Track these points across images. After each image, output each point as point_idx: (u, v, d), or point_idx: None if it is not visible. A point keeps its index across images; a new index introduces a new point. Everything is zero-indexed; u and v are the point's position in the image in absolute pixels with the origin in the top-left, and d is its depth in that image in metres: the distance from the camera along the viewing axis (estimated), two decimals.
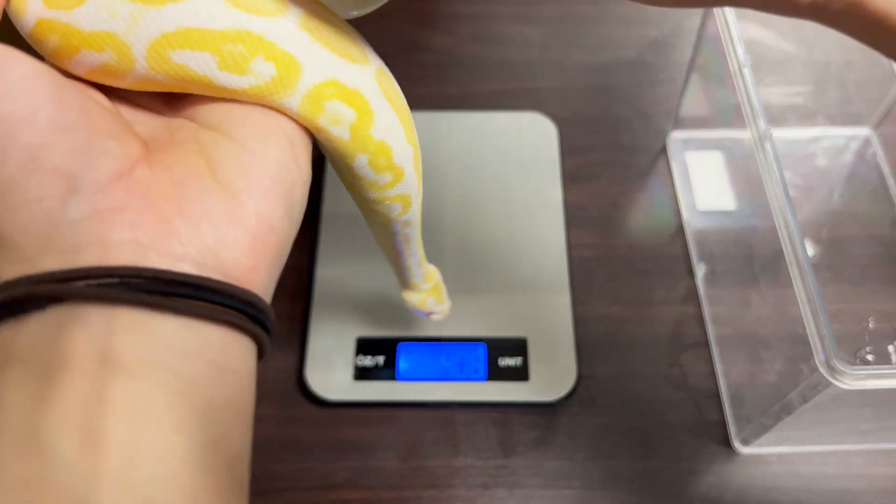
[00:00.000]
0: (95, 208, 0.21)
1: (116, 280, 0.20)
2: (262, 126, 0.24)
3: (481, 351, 0.49)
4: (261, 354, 0.24)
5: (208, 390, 0.21)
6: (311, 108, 0.24)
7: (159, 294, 0.20)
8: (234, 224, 0.22)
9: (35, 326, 0.20)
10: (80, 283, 0.20)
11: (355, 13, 0.29)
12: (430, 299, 0.44)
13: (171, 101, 0.25)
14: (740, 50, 0.43)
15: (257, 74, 0.23)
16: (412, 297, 0.43)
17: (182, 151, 0.23)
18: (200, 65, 0.22)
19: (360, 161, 0.27)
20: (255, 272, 0.23)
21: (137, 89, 0.24)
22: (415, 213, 0.35)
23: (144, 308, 0.20)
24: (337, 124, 0.25)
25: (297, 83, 0.24)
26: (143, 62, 0.22)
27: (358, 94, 0.25)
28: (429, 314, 0.45)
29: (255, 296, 0.22)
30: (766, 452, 0.47)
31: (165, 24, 0.22)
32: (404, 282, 0.42)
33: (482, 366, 0.49)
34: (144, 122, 0.25)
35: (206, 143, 0.23)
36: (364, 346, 0.49)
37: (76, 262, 0.20)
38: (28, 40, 0.23)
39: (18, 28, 0.23)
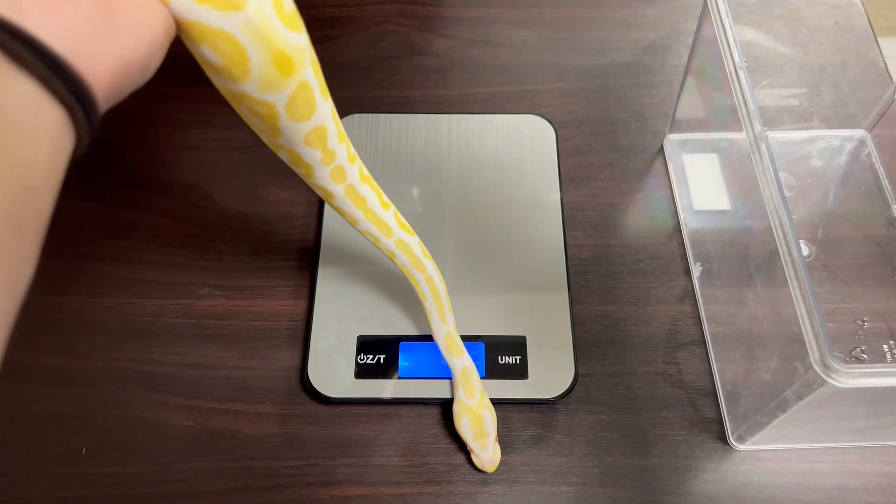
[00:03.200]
0: None
1: None
2: None
3: (480, 349, 0.50)
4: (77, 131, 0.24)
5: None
6: None
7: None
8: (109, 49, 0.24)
9: None
10: None
11: None
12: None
13: None
14: (736, 52, 0.43)
15: None
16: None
17: None
18: None
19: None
20: (105, 90, 0.24)
21: None
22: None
23: None
24: None
25: None
26: None
27: None
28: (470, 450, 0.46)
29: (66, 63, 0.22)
30: (761, 449, 0.48)
31: None
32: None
33: (481, 364, 0.49)
34: None
35: None
36: (365, 345, 0.50)
37: None
38: None
39: None
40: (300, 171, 0.37)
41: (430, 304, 0.47)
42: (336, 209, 0.41)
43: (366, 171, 0.40)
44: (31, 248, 0.22)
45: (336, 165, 0.37)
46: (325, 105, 0.33)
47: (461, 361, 0.47)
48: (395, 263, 0.45)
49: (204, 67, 0.30)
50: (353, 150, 0.38)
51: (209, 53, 0.29)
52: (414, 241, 0.45)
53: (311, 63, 0.31)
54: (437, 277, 0.46)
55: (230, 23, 0.27)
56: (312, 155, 0.35)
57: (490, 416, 0.46)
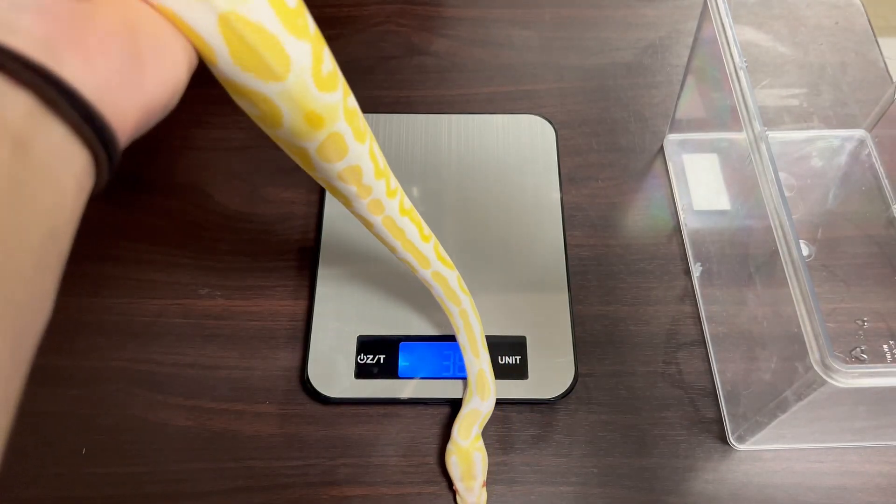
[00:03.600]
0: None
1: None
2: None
3: None
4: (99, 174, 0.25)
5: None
6: None
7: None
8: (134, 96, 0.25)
9: None
10: None
11: None
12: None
13: None
14: (736, 52, 0.43)
15: None
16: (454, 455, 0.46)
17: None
18: None
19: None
20: (126, 130, 0.25)
21: None
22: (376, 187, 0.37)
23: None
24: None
25: None
26: None
27: None
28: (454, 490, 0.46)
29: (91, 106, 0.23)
30: (761, 449, 0.48)
31: None
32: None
33: None
34: None
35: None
36: (365, 345, 0.50)
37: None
38: None
39: None
40: (339, 200, 0.38)
41: (462, 338, 0.47)
42: (375, 236, 0.41)
43: (408, 205, 0.40)
44: (52, 286, 0.23)
45: (373, 199, 0.37)
46: (359, 147, 0.34)
47: (485, 404, 0.47)
48: (431, 293, 0.46)
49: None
50: (394, 185, 0.39)
51: (245, 105, 0.30)
52: (452, 275, 0.45)
53: (343, 114, 0.32)
54: (472, 312, 0.46)
55: (269, 90, 0.29)
56: (348, 189, 0.36)
57: (480, 460, 0.46)
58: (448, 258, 0.45)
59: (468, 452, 0.46)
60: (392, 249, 0.42)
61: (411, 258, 0.42)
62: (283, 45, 0.27)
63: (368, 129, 0.35)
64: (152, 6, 0.26)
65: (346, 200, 0.37)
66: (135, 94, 0.25)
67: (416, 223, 0.41)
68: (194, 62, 0.28)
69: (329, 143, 0.32)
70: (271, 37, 0.27)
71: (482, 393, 0.47)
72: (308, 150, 0.33)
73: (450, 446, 0.46)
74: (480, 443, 0.46)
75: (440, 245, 0.44)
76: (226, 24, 0.26)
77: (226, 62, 0.27)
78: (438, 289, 0.45)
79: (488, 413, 0.47)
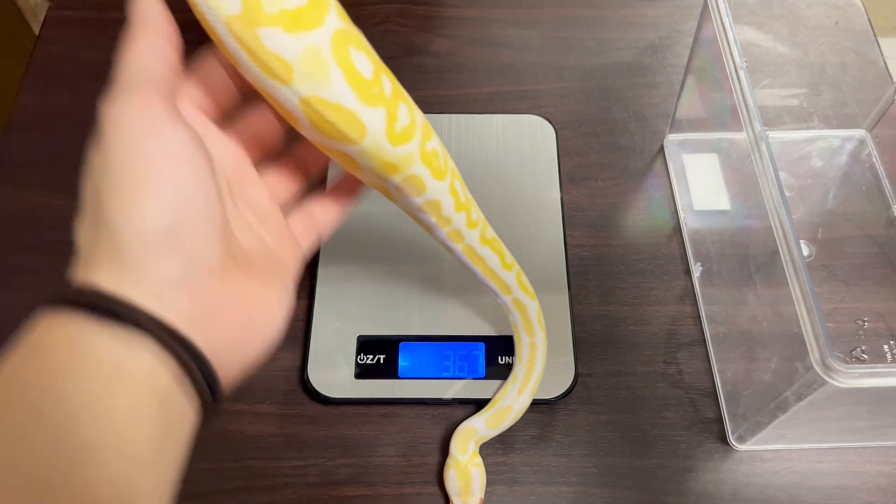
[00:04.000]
0: (179, 276, 0.26)
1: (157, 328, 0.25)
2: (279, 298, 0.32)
3: (480, 349, 0.50)
4: (205, 410, 0.28)
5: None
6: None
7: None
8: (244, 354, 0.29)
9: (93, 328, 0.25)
10: (149, 321, 0.25)
11: None
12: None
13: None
14: (736, 52, 0.43)
15: None
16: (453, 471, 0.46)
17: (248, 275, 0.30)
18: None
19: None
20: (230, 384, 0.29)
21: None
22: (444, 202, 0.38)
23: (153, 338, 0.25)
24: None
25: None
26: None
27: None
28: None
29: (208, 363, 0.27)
30: (762, 450, 0.48)
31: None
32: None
33: (481, 364, 0.49)
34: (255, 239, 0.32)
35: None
36: (365, 345, 0.50)
37: (159, 305, 0.25)
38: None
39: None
40: (422, 227, 0.39)
41: (520, 371, 0.47)
42: (457, 260, 0.42)
43: (490, 234, 0.41)
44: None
45: (453, 229, 0.39)
46: (438, 185, 0.36)
47: (486, 430, 0.46)
48: (509, 318, 0.46)
49: None
50: (475, 217, 0.40)
51: (330, 155, 0.33)
52: (532, 305, 0.45)
53: (419, 158, 0.34)
54: (542, 350, 0.46)
55: (347, 150, 0.31)
56: (427, 219, 0.37)
57: (479, 476, 0.45)
58: (531, 288, 0.45)
59: (466, 468, 0.45)
60: (473, 274, 0.43)
61: (492, 284, 0.44)
62: (359, 116, 0.30)
63: (451, 165, 0.37)
64: (249, 78, 0.29)
65: (427, 228, 0.39)
66: (244, 356, 0.29)
67: (497, 252, 0.42)
68: (289, 314, 0.32)
69: (406, 183, 0.34)
70: (348, 112, 0.30)
71: (491, 421, 0.46)
72: (387, 186, 0.35)
73: (448, 460, 0.46)
74: (478, 459, 0.46)
75: (523, 273, 0.45)
76: (307, 105, 0.29)
77: (308, 130, 0.31)
78: (517, 315, 0.46)
79: (486, 437, 0.47)
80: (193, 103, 0.32)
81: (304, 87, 0.29)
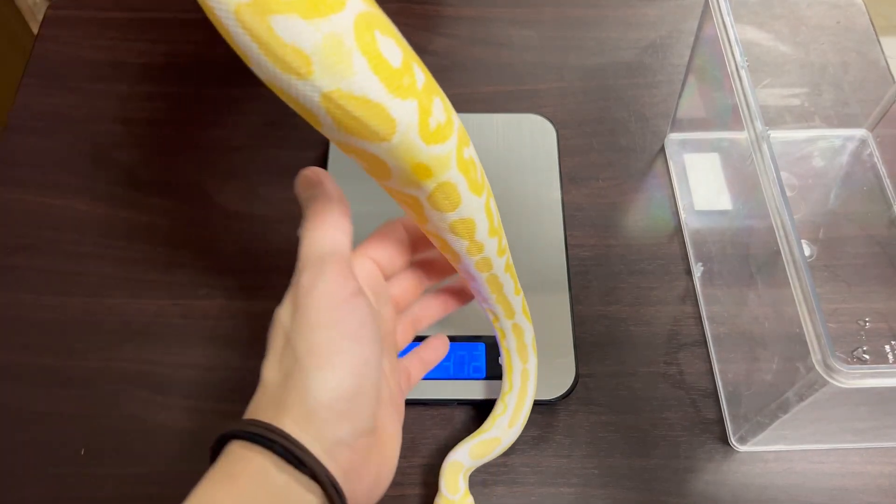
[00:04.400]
0: (346, 437, 0.31)
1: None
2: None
3: (481, 350, 0.49)
4: None
5: None
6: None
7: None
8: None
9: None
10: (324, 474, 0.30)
11: None
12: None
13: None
14: (737, 52, 0.43)
15: None
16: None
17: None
18: None
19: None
20: None
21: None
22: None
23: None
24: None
25: None
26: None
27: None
28: None
29: None
30: (763, 450, 0.47)
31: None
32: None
33: (481, 364, 0.49)
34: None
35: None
36: None
37: (328, 459, 0.30)
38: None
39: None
40: (447, 256, 0.37)
41: (511, 400, 0.45)
42: (469, 287, 0.40)
43: (510, 259, 0.39)
44: None
45: (483, 257, 0.36)
46: (474, 200, 0.33)
47: (469, 460, 0.45)
48: (500, 343, 0.44)
49: None
50: (504, 242, 0.38)
51: (354, 158, 0.31)
52: (530, 331, 0.44)
53: (456, 164, 0.31)
54: (533, 378, 0.45)
55: (375, 148, 0.28)
56: (459, 243, 0.35)
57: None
58: (529, 312, 0.43)
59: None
60: (482, 300, 0.41)
61: (499, 309, 0.41)
62: (388, 109, 0.27)
63: (487, 184, 0.35)
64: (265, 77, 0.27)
65: (454, 257, 0.36)
66: (370, 499, 0.34)
67: (514, 277, 0.40)
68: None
69: (440, 192, 0.31)
70: (375, 105, 0.27)
71: (477, 451, 0.44)
72: (419, 197, 0.32)
73: (438, 500, 0.44)
74: (470, 498, 0.44)
75: (525, 298, 0.43)
76: (329, 100, 0.26)
77: (330, 129, 0.28)
78: (513, 340, 0.43)
79: (473, 468, 0.45)
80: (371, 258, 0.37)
81: (324, 81, 0.25)
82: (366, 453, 0.32)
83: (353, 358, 0.31)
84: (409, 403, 0.49)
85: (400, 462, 0.47)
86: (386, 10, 0.28)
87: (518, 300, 0.42)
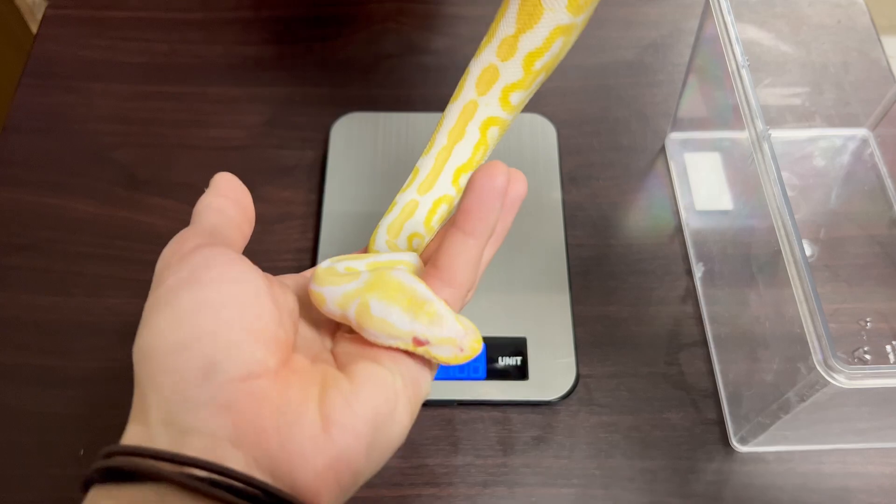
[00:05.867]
0: (216, 398, 0.25)
1: (207, 475, 0.24)
2: (377, 378, 0.28)
3: (481, 350, 0.49)
4: None
5: None
6: None
7: (237, 494, 0.24)
8: (317, 452, 0.26)
9: (132, 491, 0.25)
10: (178, 472, 0.24)
11: None
12: (377, 304, 0.30)
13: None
14: (738, 51, 0.43)
15: None
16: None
17: (308, 377, 0.28)
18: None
19: None
20: (319, 497, 0.26)
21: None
22: None
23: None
24: None
25: None
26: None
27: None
28: (416, 343, 0.30)
29: None
30: (764, 451, 0.47)
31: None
32: None
33: (481, 365, 0.49)
34: (308, 340, 0.31)
35: (328, 377, 0.28)
36: None
37: (184, 445, 0.25)
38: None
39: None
40: None
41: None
42: None
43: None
44: None
45: None
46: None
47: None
48: None
49: None
50: None
51: None
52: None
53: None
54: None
55: None
56: None
57: (414, 271, 0.33)
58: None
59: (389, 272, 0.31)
60: None
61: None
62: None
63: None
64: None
65: None
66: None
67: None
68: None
69: None
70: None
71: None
72: None
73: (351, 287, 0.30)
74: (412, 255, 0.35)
75: None
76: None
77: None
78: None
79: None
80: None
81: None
82: (279, 391, 0.26)
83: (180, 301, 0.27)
84: None
85: (400, 463, 0.47)
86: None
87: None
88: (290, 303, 0.31)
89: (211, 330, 0.26)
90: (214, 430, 0.25)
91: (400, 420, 0.29)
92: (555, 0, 0.37)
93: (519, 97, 0.39)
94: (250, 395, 0.26)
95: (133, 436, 0.27)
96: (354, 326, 0.30)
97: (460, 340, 0.30)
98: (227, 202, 0.33)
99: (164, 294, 0.28)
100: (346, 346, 0.31)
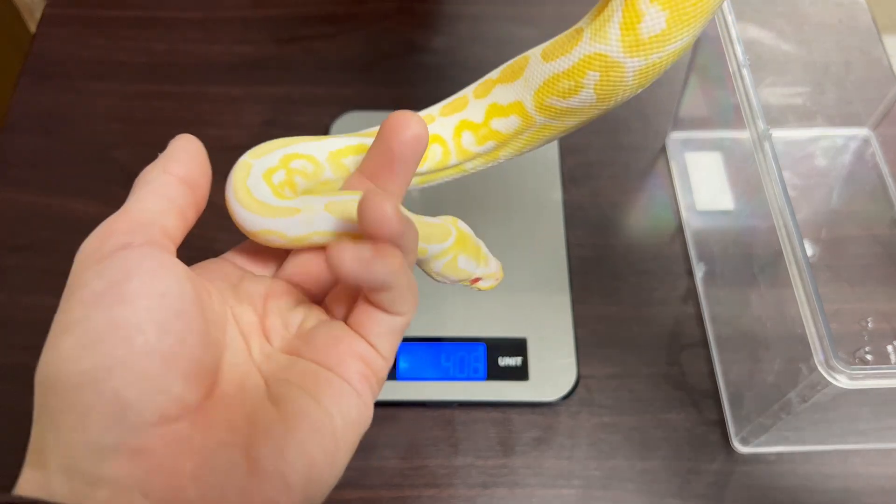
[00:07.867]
0: (125, 443, 0.22)
1: None
2: (313, 421, 0.25)
3: (481, 351, 0.49)
4: None
5: None
6: None
7: None
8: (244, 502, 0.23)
9: None
10: None
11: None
12: (462, 257, 0.35)
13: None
14: (739, 50, 0.43)
15: None
16: (435, 265, 0.35)
17: (234, 411, 0.24)
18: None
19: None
20: None
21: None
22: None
23: None
24: None
25: None
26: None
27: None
28: (473, 281, 0.36)
29: None
30: (765, 452, 0.47)
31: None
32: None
33: (482, 365, 0.49)
34: (237, 350, 0.27)
35: (259, 413, 0.25)
36: None
37: (87, 497, 0.22)
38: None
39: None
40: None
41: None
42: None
43: None
44: None
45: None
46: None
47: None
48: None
49: None
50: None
51: None
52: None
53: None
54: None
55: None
56: None
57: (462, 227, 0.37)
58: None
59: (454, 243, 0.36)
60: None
61: None
62: None
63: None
64: None
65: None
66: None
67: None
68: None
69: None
70: None
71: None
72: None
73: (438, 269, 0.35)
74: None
75: None
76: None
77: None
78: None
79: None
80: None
81: None
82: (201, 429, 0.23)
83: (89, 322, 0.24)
84: (409, 404, 0.49)
85: (399, 464, 0.47)
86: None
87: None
88: (219, 310, 0.28)
89: (123, 359, 0.22)
90: (123, 480, 0.22)
91: (340, 465, 0.27)
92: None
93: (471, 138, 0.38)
94: (165, 440, 0.22)
95: (29, 484, 0.24)
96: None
97: (496, 273, 0.37)
98: (172, 180, 0.28)
99: (75, 310, 0.24)
100: (278, 363, 0.27)
